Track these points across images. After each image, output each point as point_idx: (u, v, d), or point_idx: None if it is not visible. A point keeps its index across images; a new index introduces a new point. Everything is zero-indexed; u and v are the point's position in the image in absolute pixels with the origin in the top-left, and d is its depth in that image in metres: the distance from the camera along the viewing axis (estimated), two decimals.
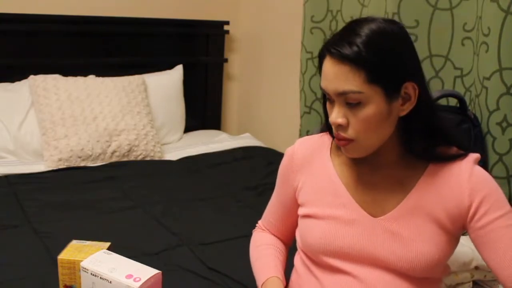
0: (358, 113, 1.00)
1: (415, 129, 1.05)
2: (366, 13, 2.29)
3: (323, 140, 1.18)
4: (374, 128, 1.01)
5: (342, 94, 0.99)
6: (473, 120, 1.87)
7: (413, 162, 1.07)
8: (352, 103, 0.99)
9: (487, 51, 1.81)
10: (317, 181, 1.15)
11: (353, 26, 1.02)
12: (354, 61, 0.97)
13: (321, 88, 1.05)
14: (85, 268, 1.09)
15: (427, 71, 2.14)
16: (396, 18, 2.11)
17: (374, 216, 1.07)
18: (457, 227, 1.06)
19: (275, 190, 1.27)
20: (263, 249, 1.26)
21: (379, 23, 1.02)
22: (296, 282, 1.19)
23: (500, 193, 1.04)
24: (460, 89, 2.06)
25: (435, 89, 2.12)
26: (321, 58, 1.05)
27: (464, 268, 1.37)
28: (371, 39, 0.98)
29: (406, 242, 1.04)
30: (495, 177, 1.84)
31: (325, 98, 1.09)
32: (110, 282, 1.05)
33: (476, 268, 1.38)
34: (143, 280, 1.04)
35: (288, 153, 1.22)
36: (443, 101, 2.01)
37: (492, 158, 1.86)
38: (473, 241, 1.05)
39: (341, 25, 2.45)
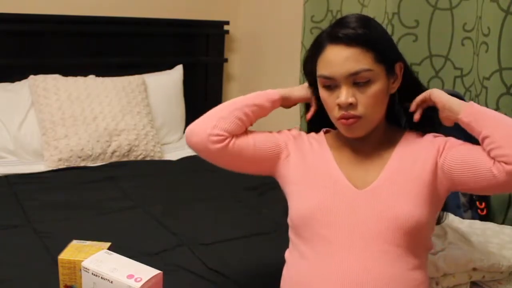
0: (367, 91, 1.12)
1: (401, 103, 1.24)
2: (366, 13, 2.29)
3: (317, 134, 1.29)
4: (380, 103, 1.15)
5: (354, 75, 1.11)
6: None
7: (387, 140, 1.22)
8: (360, 82, 1.11)
9: (487, 51, 1.81)
10: (312, 159, 1.22)
11: (342, 19, 1.16)
12: (363, 43, 1.10)
13: (321, 77, 1.15)
14: (86, 268, 1.09)
15: (427, 71, 2.14)
16: (396, 18, 2.11)
17: (359, 188, 1.16)
18: (438, 178, 1.15)
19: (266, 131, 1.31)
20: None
21: (360, 14, 1.19)
22: (288, 275, 1.20)
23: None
24: (460, 89, 2.06)
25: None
26: (317, 52, 1.16)
27: (461, 269, 1.37)
28: (367, 24, 1.14)
29: (388, 207, 1.11)
30: None
31: (313, 88, 1.24)
32: (111, 282, 1.05)
33: (474, 269, 1.38)
34: (144, 280, 1.04)
35: (293, 130, 1.31)
36: None
37: None
38: (447, 171, 1.14)
39: None
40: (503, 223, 1.84)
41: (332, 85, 1.14)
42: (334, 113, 1.15)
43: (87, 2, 2.67)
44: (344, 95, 1.12)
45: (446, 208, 1.29)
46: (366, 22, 1.15)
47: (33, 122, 2.39)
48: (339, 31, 1.12)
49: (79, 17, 2.63)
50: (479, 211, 1.79)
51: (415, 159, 1.17)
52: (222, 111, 1.26)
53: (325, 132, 1.30)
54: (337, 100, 1.13)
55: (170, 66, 2.88)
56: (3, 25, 2.45)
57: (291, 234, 1.23)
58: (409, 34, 2.12)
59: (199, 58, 3.04)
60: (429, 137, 1.23)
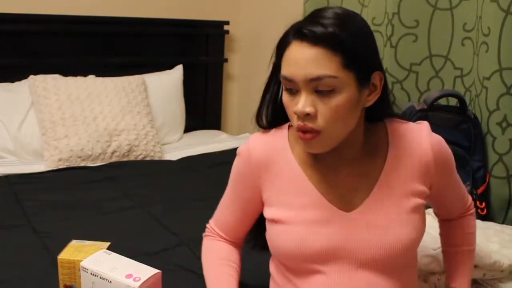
0: (329, 101, 0.94)
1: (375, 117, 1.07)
2: (366, 13, 2.29)
3: (279, 136, 1.10)
4: (343, 117, 0.96)
5: (315, 80, 0.93)
6: (473, 120, 1.87)
7: (373, 151, 1.06)
8: (323, 91, 0.93)
9: (487, 51, 1.81)
10: (283, 181, 1.07)
11: (318, 12, 0.98)
12: (330, 43, 0.92)
13: (282, 78, 0.98)
14: (85, 268, 1.09)
15: (427, 71, 2.14)
16: (396, 18, 2.11)
17: (347, 211, 1.03)
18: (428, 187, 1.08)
19: (230, 190, 1.18)
20: (218, 266, 1.17)
21: (342, 8, 0.99)
22: None
23: (453, 159, 1.12)
24: (460, 89, 2.06)
25: (435, 89, 2.13)
26: (283, 46, 0.99)
27: None
28: (343, 22, 0.95)
29: (383, 230, 1.01)
30: (495, 177, 1.85)
31: (271, 90, 1.09)
32: (110, 281, 1.05)
33: (475, 266, 1.38)
34: (142, 280, 1.04)
35: (242, 153, 1.11)
36: (443, 101, 2.01)
37: (492, 158, 1.86)
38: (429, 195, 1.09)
39: None
40: (503, 223, 1.84)
41: (293, 89, 0.96)
42: (293, 122, 0.98)
43: (87, 2, 2.67)
44: (302, 102, 0.94)
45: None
46: (342, 19, 0.95)
47: (33, 122, 2.39)
48: (306, 26, 0.94)
49: (79, 17, 2.63)
50: (479, 211, 1.79)
51: (407, 175, 1.04)
52: None
53: (289, 128, 1.11)
54: (294, 108, 0.96)
55: (170, 66, 2.88)
56: (3, 25, 2.45)
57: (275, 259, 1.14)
58: (409, 34, 2.12)
59: (199, 58, 3.04)
60: (421, 136, 1.06)
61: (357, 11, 2.36)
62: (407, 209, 1.03)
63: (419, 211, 1.05)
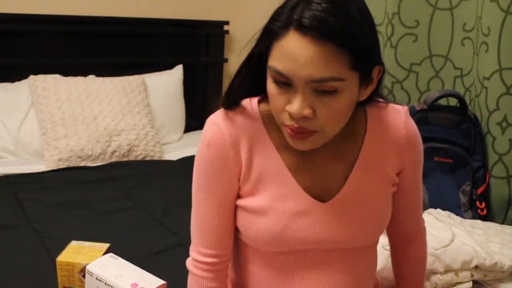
0: (330, 102, 0.83)
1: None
2: None
3: (250, 117, 0.97)
4: (342, 117, 0.87)
5: (317, 82, 0.81)
6: (473, 120, 1.88)
7: (351, 134, 0.98)
8: (325, 91, 0.82)
9: (487, 51, 1.81)
10: (259, 167, 0.96)
11: None
12: (338, 40, 0.79)
13: (272, 70, 0.84)
14: (90, 272, 1.08)
15: (427, 71, 2.14)
16: (396, 18, 2.11)
17: (324, 201, 0.96)
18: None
19: (203, 198, 1.01)
20: None
21: None
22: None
23: (422, 156, 1.07)
24: (460, 89, 2.06)
25: (435, 89, 2.13)
26: (275, 31, 0.84)
27: (464, 266, 1.37)
28: (348, 10, 0.81)
29: (362, 216, 0.97)
30: (495, 177, 1.85)
31: (247, 67, 0.95)
32: None
33: (476, 267, 1.38)
34: None
35: (214, 140, 0.96)
36: (443, 101, 2.01)
37: (492, 158, 1.86)
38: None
39: None
40: (503, 223, 1.85)
41: (285, 83, 0.84)
42: (281, 118, 0.87)
43: (87, 2, 2.67)
44: (299, 104, 0.82)
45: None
46: (347, 5, 0.82)
47: (33, 122, 2.39)
48: (309, 16, 0.79)
49: (79, 17, 2.63)
50: (479, 211, 1.79)
51: (383, 160, 0.99)
52: None
53: (259, 102, 0.99)
54: (288, 107, 0.84)
55: (170, 66, 2.88)
56: (3, 25, 2.45)
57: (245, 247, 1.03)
58: (409, 34, 2.12)
59: (199, 58, 3.04)
60: (399, 118, 1.00)
61: None
62: (382, 193, 1.00)
63: (390, 197, 1.02)
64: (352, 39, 0.80)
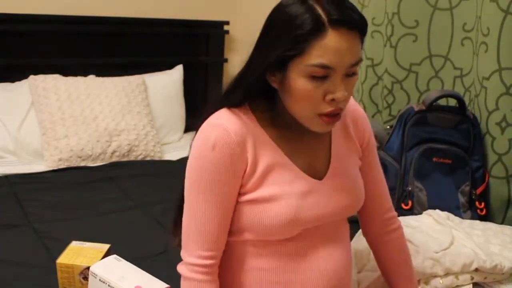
0: (352, 83, 0.99)
1: None
2: (366, 13, 2.29)
3: (246, 116, 1.05)
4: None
5: (353, 65, 0.96)
6: (472, 120, 1.88)
7: None
8: (350, 75, 0.97)
9: (486, 51, 1.81)
10: (263, 158, 1.04)
11: None
12: (362, 29, 0.96)
13: (315, 66, 0.94)
14: (94, 273, 1.07)
15: (427, 71, 2.14)
16: (396, 18, 2.12)
17: (320, 179, 1.08)
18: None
19: (204, 200, 1.02)
20: None
21: None
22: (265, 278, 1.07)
23: (372, 133, 1.23)
24: (459, 89, 2.06)
25: (434, 89, 2.13)
26: (313, 33, 0.93)
27: (464, 269, 1.37)
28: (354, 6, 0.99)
29: (351, 188, 1.12)
30: (494, 177, 1.85)
31: (250, 74, 1.04)
32: None
33: (476, 270, 1.38)
34: None
35: (220, 140, 1.00)
36: (442, 101, 2.01)
37: (492, 158, 1.86)
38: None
39: None
40: (502, 222, 1.85)
41: (324, 76, 0.95)
42: (320, 108, 0.97)
43: (87, 2, 2.67)
44: (341, 89, 0.95)
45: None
46: (348, 2, 0.97)
47: (33, 122, 2.39)
48: (340, 12, 0.93)
49: (79, 17, 2.63)
50: (478, 211, 1.79)
51: (350, 145, 1.16)
52: None
53: (250, 106, 1.07)
54: (331, 96, 0.96)
55: (170, 66, 2.88)
56: (3, 25, 2.45)
57: (247, 245, 1.08)
58: (409, 34, 2.12)
59: (199, 58, 3.04)
60: (360, 115, 1.19)
61: None
62: (356, 165, 1.16)
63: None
64: (365, 28, 0.97)
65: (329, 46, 0.93)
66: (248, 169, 1.02)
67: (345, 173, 1.12)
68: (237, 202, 1.04)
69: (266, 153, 1.04)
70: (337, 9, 0.93)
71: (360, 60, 0.97)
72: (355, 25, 0.94)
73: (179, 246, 1.09)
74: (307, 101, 0.97)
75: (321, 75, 0.95)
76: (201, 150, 1.02)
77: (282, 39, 0.96)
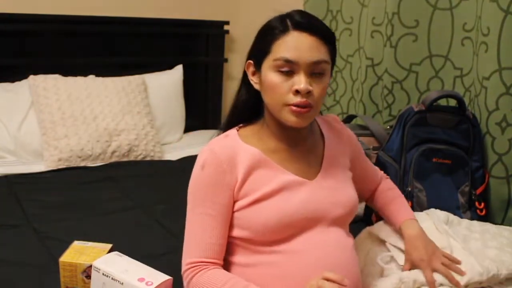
0: (320, 82, 1.13)
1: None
2: (366, 13, 2.29)
3: (231, 137, 1.21)
4: (322, 99, 1.17)
5: (315, 64, 1.11)
6: (472, 120, 1.87)
7: (312, 132, 1.27)
8: (316, 73, 1.12)
9: (486, 51, 1.81)
10: (252, 170, 1.16)
11: (301, 11, 1.17)
12: (324, 35, 1.13)
13: (280, 60, 1.11)
14: (97, 268, 1.08)
15: (427, 71, 2.14)
16: (396, 18, 2.12)
17: (310, 179, 1.21)
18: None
19: (202, 210, 1.16)
20: (237, 283, 1.12)
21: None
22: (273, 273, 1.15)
23: (359, 142, 1.43)
24: (459, 89, 2.06)
25: (435, 89, 2.13)
26: (276, 34, 1.13)
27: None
28: (320, 20, 1.17)
29: (340, 192, 1.23)
30: (494, 177, 1.85)
31: (245, 79, 1.24)
32: (122, 283, 1.05)
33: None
34: (155, 285, 1.04)
35: (209, 161, 1.16)
36: (442, 102, 2.01)
37: (492, 158, 1.86)
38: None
39: (341, 25, 2.45)
40: (502, 223, 1.85)
41: (289, 70, 1.11)
42: (287, 99, 1.12)
43: (87, 2, 2.67)
44: (304, 82, 1.10)
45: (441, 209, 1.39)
46: (318, 18, 1.18)
47: (33, 122, 2.39)
48: (303, 19, 1.13)
49: (79, 17, 2.63)
50: (478, 211, 1.79)
51: (342, 150, 1.31)
52: None
53: (238, 129, 1.24)
54: (296, 86, 1.10)
55: (170, 66, 2.88)
56: (3, 25, 2.45)
57: (246, 245, 1.17)
58: (409, 34, 2.12)
59: (199, 58, 3.04)
60: (346, 130, 1.37)
61: (357, 11, 2.37)
62: (348, 177, 1.29)
63: (351, 181, 1.30)
64: (330, 36, 1.15)
65: (291, 42, 1.11)
66: (239, 181, 1.16)
67: (335, 178, 1.24)
68: (233, 212, 1.17)
69: (253, 164, 1.17)
70: (302, 18, 1.14)
71: (324, 61, 1.12)
72: (316, 31, 1.12)
73: None
74: (276, 92, 1.13)
75: (287, 69, 1.12)
76: (194, 173, 1.20)
77: (259, 44, 1.18)
